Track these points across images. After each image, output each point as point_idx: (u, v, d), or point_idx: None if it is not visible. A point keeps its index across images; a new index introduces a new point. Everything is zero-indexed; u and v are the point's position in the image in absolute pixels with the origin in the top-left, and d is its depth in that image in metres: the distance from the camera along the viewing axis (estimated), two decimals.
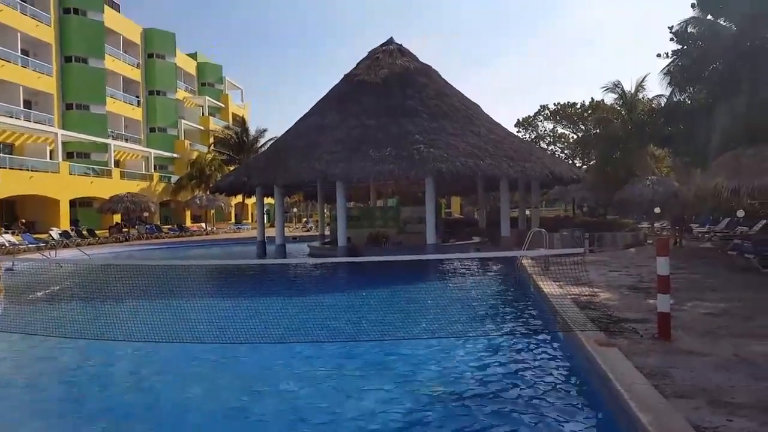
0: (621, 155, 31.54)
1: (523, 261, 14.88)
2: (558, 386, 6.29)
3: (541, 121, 59.39)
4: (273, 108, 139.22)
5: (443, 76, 25.45)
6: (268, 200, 33.87)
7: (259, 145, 49.94)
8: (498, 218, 22.91)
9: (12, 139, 36.20)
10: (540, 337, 8.47)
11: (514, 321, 9.89)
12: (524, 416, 5.49)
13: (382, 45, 25.94)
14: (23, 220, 32.40)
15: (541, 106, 59.31)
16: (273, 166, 21.98)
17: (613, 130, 32.34)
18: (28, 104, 38.62)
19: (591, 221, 27.43)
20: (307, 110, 25.11)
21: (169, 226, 43.52)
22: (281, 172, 21.28)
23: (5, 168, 31.35)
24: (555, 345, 7.88)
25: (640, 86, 33.01)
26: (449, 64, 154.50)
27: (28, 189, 32.64)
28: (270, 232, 27.66)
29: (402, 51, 25.48)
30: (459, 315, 10.32)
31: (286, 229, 25.58)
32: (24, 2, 38.01)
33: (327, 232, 29.39)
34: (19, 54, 37.19)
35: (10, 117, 35.44)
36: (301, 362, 7.81)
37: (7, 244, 25.30)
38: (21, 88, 36.96)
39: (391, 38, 26.28)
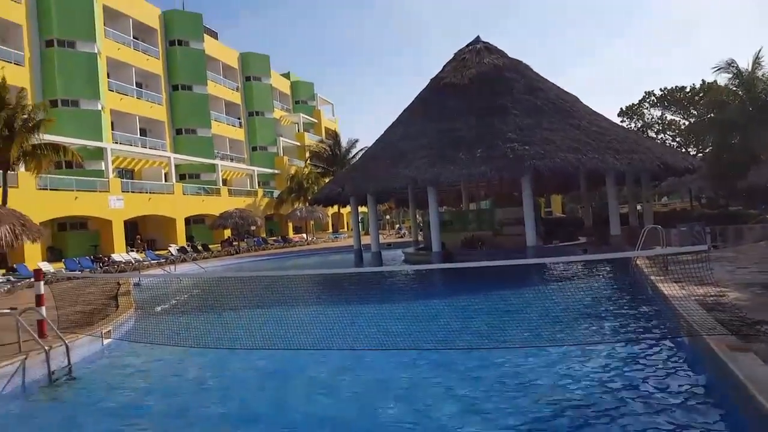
0: (741, 140, 28.57)
1: (637, 261, 13.77)
2: (686, 396, 5.68)
3: (647, 108, 55.42)
4: (364, 119, 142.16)
5: (537, 71, 24.40)
6: (362, 209, 34.42)
7: (351, 156, 50.97)
8: (606, 215, 21.48)
9: (132, 165, 39.61)
10: (663, 343, 7.76)
11: (632, 327, 9.15)
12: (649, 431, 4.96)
13: (468, 45, 25.41)
14: (139, 238, 35.23)
15: (646, 92, 55.36)
16: (364, 176, 22.22)
17: (730, 113, 29.37)
18: (143, 132, 42.15)
19: (711, 214, 25.05)
20: (396, 118, 25.19)
21: (274, 238, 45.52)
22: (372, 181, 21.46)
23: (128, 192, 34.31)
24: (680, 351, 7.18)
25: (757, 63, 29.69)
26: (547, 58, 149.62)
27: (148, 210, 35.51)
28: (365, 239, 28.00)
29: (489, 49, 24.79)
30: (569, 322, 9.70)
31: (380, 236, 25.75)
32: (136, 39, 41.59)
33: (420, 238, 29.25)
34: (134, 87, 40.69)
35: (129, 145, 38.84)
36: (427, 372, 7.65)
37: (133, 261, 27.60)
38: (137, 117, 40.42)
39: (478, 37, 25.67)
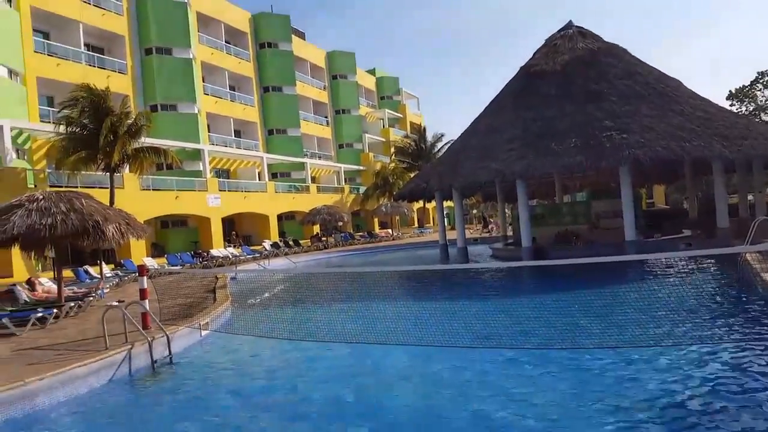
0: None
1: (747, 257, 12.47)
2: None
3: (759, 90, 50.55)
4: (450, 111, 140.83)
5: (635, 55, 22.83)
6: (447, 203, 33.97)
7: (437, 150, 50.49)
8: (713, 207, 19.76)
9: (228, 165, 41.62)
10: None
11: (742, 326, 8.27)
12: None
13: (559, 30, 24.23)
14: (236, 234, 36.94)
15: (759, 73, 50.49)
16: (449, 170, 21.83)
17: None
18: (237, 133, 44.14)
19: None
20: (483, 109, 24.54)
21: (361, 233, 46.17)
22: (458, 175, 21.02)
23: (225, 191, 36.06)
24: None
25: None
26: (647, 41, 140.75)
27: (243, 207, 37.17)
28: (451, 234, 27.61)
29: (583, 33, 23.50)
30: (675, 321, 8.94)
31: (466, 231, 25.26)
32: (228, 43, 43.57)
33: (510, 233, 28.38)
34: (228, 90, 42.66)
35: (225, 146, 40.82)
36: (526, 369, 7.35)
37: (230, 256, 28.96)
38: (231, 119, 42.40)
39: (570, 21, 24.41)
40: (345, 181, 52.94)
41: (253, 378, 8.41)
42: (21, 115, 26.07)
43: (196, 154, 35.32)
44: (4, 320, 11.13)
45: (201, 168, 35.03)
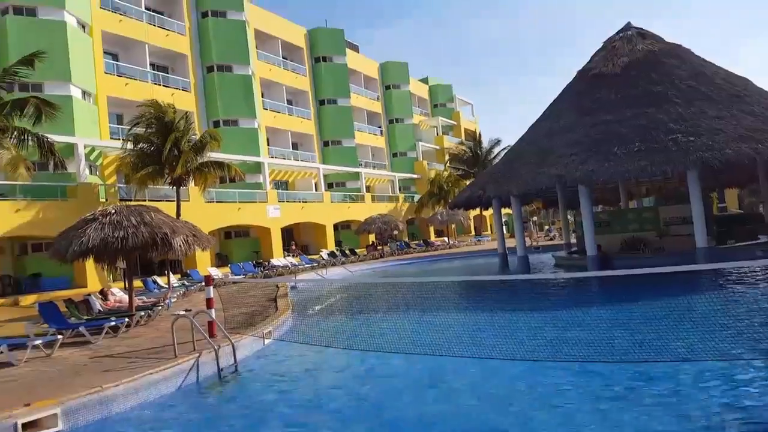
0: None
1: None
2: None
3: None
4: (506, 117, 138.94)
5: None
6: (506, 210, 33.40)
7: (493, 156, 49.85)
8: None
9: (286, 176, 42.57)
10: None
11: None
12: None
13: (618, 32, 23.47)
14: (294, 243, 37.66)
15: None
16: (507, 177, 21.46)
17: None
18: (295, 146, 45.13)
19: None
20: (540, 114, 24.07)
21: (416, 242, 46.05)
22: (515, 181, 20.63)
23: (284, 201, 36.90)
24: None
25: None
26: (712, 39, 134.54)
27: (301, 217, 37.91)
28: (510, 242, 27.08)
29: (643, 34, 22.67)
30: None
31: (526, 238, 24.70)
32: (285, 59, 44.72)
33: (573, 240, 27.57)
34: (285, 104, 43.74)
35: (283, 158, 41.83)
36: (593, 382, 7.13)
37: (289, 265, 29.55)
38: (289, 132, 43.42)
39: (629, 23, 23.62)
40: (399, 190, 53.06)
41: (316, 388, 8.48)
42: (93, 134, 27.64)
43: (257, 167, 36.36)
44: (81, 329, 11.75)
45: (261, 180, 36.01)
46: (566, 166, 18.69)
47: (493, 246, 33.29)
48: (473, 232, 56.71)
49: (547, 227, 60.97)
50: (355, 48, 55.36)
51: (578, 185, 19.20)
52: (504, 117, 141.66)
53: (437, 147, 62.60)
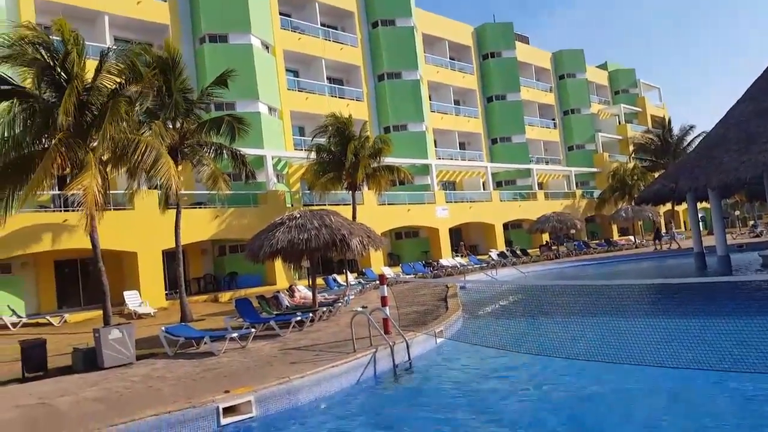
0: None
1: None
2: None
3: None
4: (700, 99, 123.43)
5: None
6: (701, 205, 29.52)
7: (685, 144, 44.51)
8: None
9: (453, 177, 42.63)
10: None
11: None
12: None
13: None
14: (463, 244, 37.43)
15: None
16: (703, 167, 18.91)
17: None
18: (462, 145, 44.98)
19: None
20: (743, 93, 20.79)
21: (596, 241, 42.99)
22: (714, 171, 18.06)
23: (451, 202, 37.00)
24: None
25: None
26: None
27: (469, 217, 37.65)
28: (708, 240, 23.85)
29: None
30: None
31: (727, 235, 21.48)
32: (452, 59, 44.83)
33: None
34: (452, 105, 43.83)
35: (450, 159, 41.97)
36: None
37: (458, 266, 29.52)
38: (456, 133, 43.43)
39: None
40: (576, 186, 49.97)
41: (488, 389, 8.29)
42: (279, 146, 30.39)
43: (425, 169, 37.00)
44: (272, 323, 12.88)
45: (429, 182, 36.54)
46: None
47: (687, 245, 29.68)
48: (663, 229, 51.18)
49: (752, 222, 52.75)
50: (525, 40, 53.53)
51: None
52: (698, 100, 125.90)
53: (619, 137, 57.80)
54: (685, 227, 53.99)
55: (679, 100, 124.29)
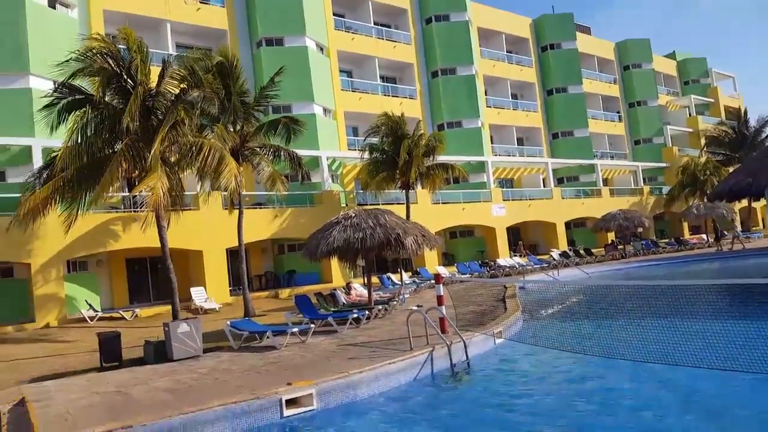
0: None
1: None
2: None
3: None
4: None
5: None
6: None
7: (764, 136, 41.79)
8: None
9: (511, 174, 41.77)
10: None
11: None
12: None
13: None
14: (522, 243, 36.49)
15: None
16: None
17: None
18: (520, 141, 43.92)
19: None
20: None
21: (666, 240, 41.04)
22: None
23: (509, 200, 36.19)
24: None
25: None
26: None
27: (528, 216, 36.70)
28: None
29: None
30: None
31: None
32: (509, 52, 43.91)
33: None
34: (510, 99, 42.92)
35: (508, 155, 41.11)
36: None
37: (516, 266, 28.89)
38: (514, 128, 42.47)
39: None
40: (644, 181, 47.83)
41: (549, 392, 8.03)
42: (333, 146, 30.72)
43: (480, 167, 36.35)
44: (329, 319, 13.05)
45: (485, 179, 35.89)
46: None
47: (765, 244, 27.87)
48: (739, 227, 48.22)
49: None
50: (587, 30, 51.73)
51: None
52: None
53: (689, 130, 54.86)
54: (763, 225, 50.68)
55: (757, 91, 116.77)
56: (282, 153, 20.02)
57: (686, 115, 56.27)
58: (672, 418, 6.45)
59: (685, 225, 45.66)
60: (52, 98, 13.35)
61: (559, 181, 44.76)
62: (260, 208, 25.03)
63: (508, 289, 18.28)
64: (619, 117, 51.47)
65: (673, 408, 6.82)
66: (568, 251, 33.58)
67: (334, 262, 22.13)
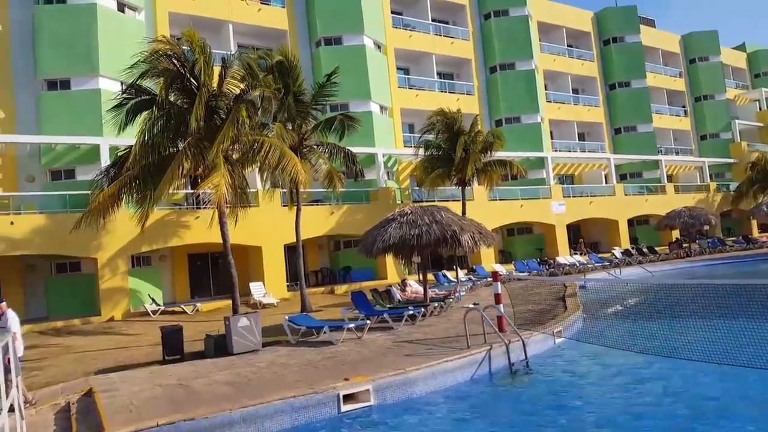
0: None
1: None
2: None
3: None
4: None
5: None
6: None
7: None
8: None
9: (572, 170, 40.59)
10: None
11: None
12: None
13: None
14: (582, 241, 35.36)
15: None
16: None
17: None
18: (581, 136, 42.60)
19: None
20: None
21: (733, 239, 38.95)
22: None
23: (569, 196, 35.21)
24: None
25: None
26: None
27: (589, 213, 35.61)
28: None
29: None
30: None
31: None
32: (570, 47, 42.67)
33: None
34: (570, 94, 41.71)
35: (568, 151, 39.96)
36: None
37: (577, 264, 28.10)
38: (575, 123, 41.25)
39: None
40: (710, 178, 45.50)
41: (611, 392, 7.76)
42: (389, 143, 30.72)
43: (540, 163, 35.53)
44: (385, 315, 13.06)
45: (544, 176, 35.05)
46: None
47: None
48: None
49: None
50: (651, 23, 49.64)
51: None
52: None
53: (760, 124, 51.78)
54: None
55: None
56: (338, 150, 20.24)
57: (756, 109, 53.21)
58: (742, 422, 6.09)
59: (754, 223, 43.25)
60: (121, 99, 13.97)
61: (622, 177, 43.14)
62: (317, 204, 25.39)
63: (568, 288, 17.82)
64: (685, 111, 49.21)
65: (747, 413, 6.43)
66: (630, 249, 32.45)
67: (389, 259, 22.17)
